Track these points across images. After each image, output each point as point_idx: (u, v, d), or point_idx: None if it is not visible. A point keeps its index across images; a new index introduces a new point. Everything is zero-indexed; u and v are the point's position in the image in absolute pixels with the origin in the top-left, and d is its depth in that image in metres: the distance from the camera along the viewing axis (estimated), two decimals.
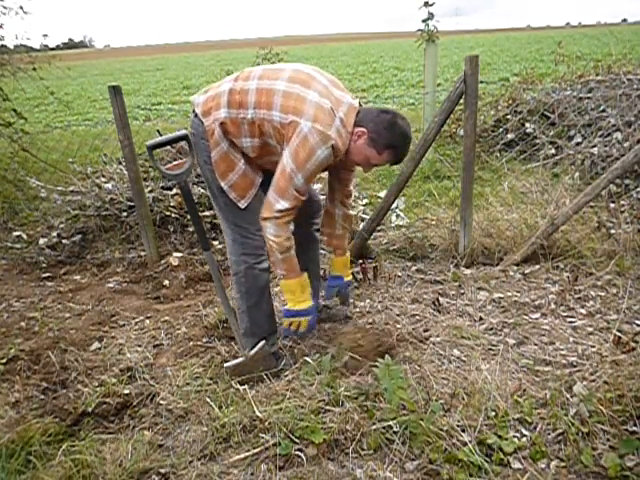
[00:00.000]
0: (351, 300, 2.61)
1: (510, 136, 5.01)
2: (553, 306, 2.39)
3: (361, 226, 3.09)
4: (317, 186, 4.04)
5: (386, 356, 1.82)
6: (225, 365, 2.01)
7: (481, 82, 2.72)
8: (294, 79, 1.83)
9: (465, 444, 1.53)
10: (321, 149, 1.75)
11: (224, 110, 1.85)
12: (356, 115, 1.86)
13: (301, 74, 1.86)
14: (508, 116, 5.23)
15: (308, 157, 1.75)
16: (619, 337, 2.00)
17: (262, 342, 2.03)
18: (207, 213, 3.39)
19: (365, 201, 4.04)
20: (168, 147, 4.06)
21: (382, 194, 3.70)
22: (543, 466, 1.50)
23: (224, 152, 1.89)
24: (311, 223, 2.28)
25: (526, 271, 2.72)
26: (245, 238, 1.98)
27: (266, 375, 1.98)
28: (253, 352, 1.99)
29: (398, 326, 2.30)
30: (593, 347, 2.04)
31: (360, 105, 1.92)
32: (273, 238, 1.84)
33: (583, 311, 2.34)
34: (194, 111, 1.93)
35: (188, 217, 3.38)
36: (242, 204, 1.95)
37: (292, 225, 1.94)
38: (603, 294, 2.45)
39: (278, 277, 2.00)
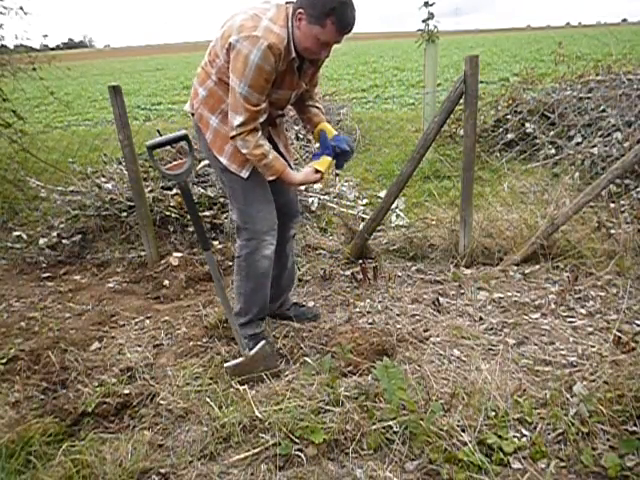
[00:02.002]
0: (351, 300, 2.61)
1: (510, 136, 5.01)
2: (553, 306, 2.39)
3: (361, 226, 3.09)
4: (317, 186, 4.04)
5: (384, 357, 1.82)
6: (225, 365, 2.01)
7: (481, 82, 2.73)
8: (224, 23, 1.91)
9: (465, 444, 1.54)
10: (253, 53, 1.74)
11: (200, 90, 1.99)
12: (290, 6, 1.85)
13: (231, 16, 1.93)
14: (508, 116, 5.22)
15: (244, 65, 1.77)
16: (619, 337, 2.00)
17: (262, 342, 2.04)
18: (207, 213, 3.39)
19: (365, 201, 4.04)
20: (168, 147, 4.06)
21: (382, 194, 3.70)
22: (543, 466, 1.50)
23: (215, 128, 1.99)
24: (288, 227, 2.31)
25: (526, 271, 2.72)
26: (247, 223, 2.07)
27: (266, 375, 1.99)
28: (253, 352, 2.00)
29: (398, 326, 2.30)
30: (593, 347, 2.04)
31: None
32: (244, 151, 1.91)
33: (583, 311, 2.34)
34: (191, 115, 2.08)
35: (188, 217, 3.38)
36: (244, 174, 2.00)
37: (258, 135, 1.90)
38: (603, 294, 2.45)
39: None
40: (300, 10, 1.78)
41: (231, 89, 1.84)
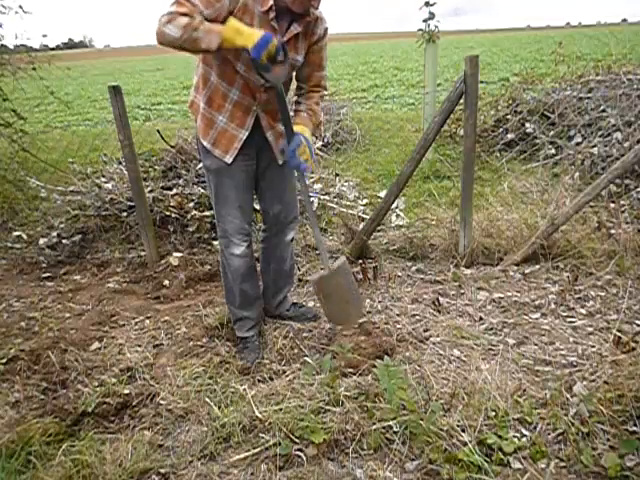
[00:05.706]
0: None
1: (510, 136, 5.01)
2: (553, 306, 2.39)
3: (361, 226, 3.09)
4: (318, 186, 4.04)
5: (385, 357, 1.82)
6: (309, 278, 2.12)
7: (481, 82, 2.72)
8: None
9: (465, 444, 1.54)
10: None
11: (194, 80, 2.03)
12: None
13: None
14: (508, 116, 5.22)
15: None
16: (619, 337, 2.00)
17: (342, 257, 2.16)
18: (207, 213, 3.39)
19: (365, 201, 4.04)
20: (167, 147, 4.06)
21: (382, 194, 3.70)
22: (543, 466, 1.50)
23: (201, 112, 2.00)
24: (285, 232, 2.29)
25: (526, 271, 2.72)
26: (219, 221, 2.14)
27: (266, 375, 1.99)
28: (336, 265, 2.09)
29: (398, 326, 2.30)
30: (593, 347, 2.04)
31: None
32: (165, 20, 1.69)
33: (583, 311, 2.34)
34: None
35: (188, 217, 3.38)
36: (228, 159, 2.00)
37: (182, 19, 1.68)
38: (603, 294, 2.45)
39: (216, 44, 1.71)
40: None
41: None
